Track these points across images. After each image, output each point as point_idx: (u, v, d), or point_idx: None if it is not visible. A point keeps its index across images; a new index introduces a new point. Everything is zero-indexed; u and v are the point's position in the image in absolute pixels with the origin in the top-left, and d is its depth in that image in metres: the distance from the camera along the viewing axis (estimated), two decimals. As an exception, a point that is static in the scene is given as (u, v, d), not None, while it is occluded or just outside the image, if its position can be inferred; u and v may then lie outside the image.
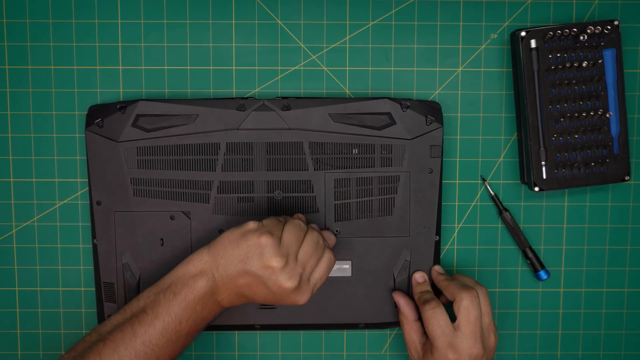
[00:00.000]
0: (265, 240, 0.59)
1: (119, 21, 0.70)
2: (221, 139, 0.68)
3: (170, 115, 0.68)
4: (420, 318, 0.68)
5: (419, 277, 0.70)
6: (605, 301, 0.74)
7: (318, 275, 0.62)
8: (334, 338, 0.73)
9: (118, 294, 0.69)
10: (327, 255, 0.63)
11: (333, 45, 0.71)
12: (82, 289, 0.72)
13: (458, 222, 0.73)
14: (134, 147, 0.68)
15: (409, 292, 0.70)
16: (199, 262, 0.61)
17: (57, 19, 0.70)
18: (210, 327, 0.70)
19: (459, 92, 0.71)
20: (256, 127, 0.68)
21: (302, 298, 0.61)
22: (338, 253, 0.70)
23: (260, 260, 0.59)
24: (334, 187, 0.69)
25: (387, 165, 0.69)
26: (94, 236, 0.69)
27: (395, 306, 0.70)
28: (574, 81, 0.68)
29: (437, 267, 0.70)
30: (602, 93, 0.68)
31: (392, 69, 0.71)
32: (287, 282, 0.59)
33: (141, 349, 0.59)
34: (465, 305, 0.64)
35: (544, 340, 0.74)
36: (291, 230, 0.61)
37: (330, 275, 0.70)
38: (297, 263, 0.60)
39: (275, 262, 0.59)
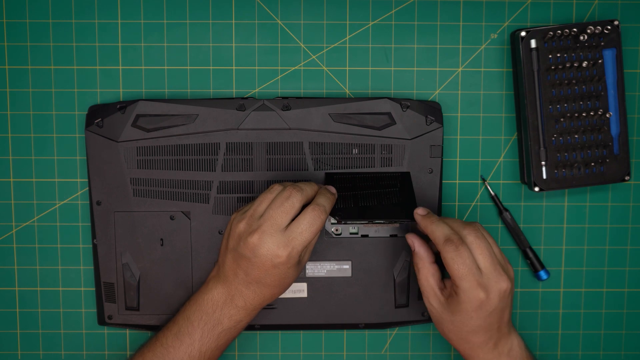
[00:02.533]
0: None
1: (119, 21, 0.70)
2: (221, 139, 0.68)
3: (170, 115, 0.68)
4: (436, 260, 0.64)
5: (420, 210, 0.63)
6: (605, 301, 0.74)
7: (298, 228, 0.59)
8: (334, 338, 0.73)
9: (118, 294, 0.69)
10: (309, 212, 0.60)
11: (333, 45, 0.71)
12: (82, 289, 0.72)
13: (458, 222, 0.72)
14: (134, 147, 0.68)
15: (408, 294, 0.70)
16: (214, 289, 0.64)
17: (57, 19, 0.70)
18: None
19: (459, 92, 0.71)
20: (256, 127, 0.68)
21: (281, 252, 0.59)
22: (338, 253, 0.70)
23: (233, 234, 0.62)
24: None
25: (387, 165, 0.69)
26: (94, 236, 0.69)
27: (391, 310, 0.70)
28: (574, 81, 0.68)
29: (419, 210, 0.63)
30: (602, 93, 0.68)
31: (392, 69, 0.71)
32: (251, 237, 0.59)
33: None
34: (471, 240, 0.60)
35: (544, 340, 0.74)
36: (267, 202, 0.62)
37: (330, 275, 0.70)
38: (260, 219, 0.60)
39: (240, 225, 0.61)
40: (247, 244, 0.60)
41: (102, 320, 0.70)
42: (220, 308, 0.62)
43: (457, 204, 0.72)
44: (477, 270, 0.59)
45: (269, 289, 0.62)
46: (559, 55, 0.67)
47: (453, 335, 0.62)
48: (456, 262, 0.59)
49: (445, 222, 0.62)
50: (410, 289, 0.70)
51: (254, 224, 0.60)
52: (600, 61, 0.68)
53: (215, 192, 0.69)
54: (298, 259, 0.61)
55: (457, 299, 0.60)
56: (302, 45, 0.71)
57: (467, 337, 0.61)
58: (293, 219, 0.60)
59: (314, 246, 0.66)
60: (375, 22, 0.71)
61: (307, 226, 0.60)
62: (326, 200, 0.62)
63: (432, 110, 0.69)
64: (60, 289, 0.72)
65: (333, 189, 0.64)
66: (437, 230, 0.61)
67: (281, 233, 0.59)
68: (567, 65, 0.67)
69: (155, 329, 0.70)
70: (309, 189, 0.62)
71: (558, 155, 0.68)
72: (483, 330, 0.61)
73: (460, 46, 0.71)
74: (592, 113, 0.68)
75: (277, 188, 0.62)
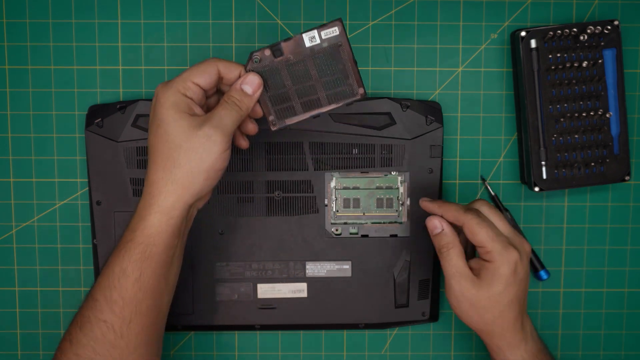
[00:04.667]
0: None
1: (119, 21, 0.70)
2: (221, 139, 0.68)
3: (170, 115, 0.68)
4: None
5: (425, 199, 0.64)
6: (605, 301, 0.74)
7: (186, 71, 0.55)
8: (334, 338, 0.73)
9: (118, 294, 0.69)
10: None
11: (333, 45, 0.71)
12: (82, 289, 0.72)
13: (458, 222, 0.72)
14: (134, 147, 0.68)
15: (408, 294, 0.70)
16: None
17: (57, 19, 0.70)
18: (210, 327, 0.70)
19: (459, 92, 0.71)
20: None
21: (164, 86, 0.55)
22: (338, 253, 0.70)
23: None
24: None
25: (387, 165, 0.69)
26: (94, 236, 0.69)
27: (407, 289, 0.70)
28: (574, 81, 0.68)
29: (424, 199, 0.64)
30: (602, 93, 0.68)
31: (392, 69, 0.71)
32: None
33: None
34: (486, 211, 0.60)
35: (544, 340, 0.74)
36: None
37: (330, 275, 0.70)
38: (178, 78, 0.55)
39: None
40: (157, 96, 0.56)
41: (102, 320, 0.70)
42: (136, 222, 0.56)
43: (457, 204, 0.72)
44: (503, 234, 0.59)
45: (166, 157, 0.55)
46: (559, 55, 0.67)
47: (490, 315, 0.59)
48: (483, 227, 0.58)
49: (451, 204, 0.62)
50: (410, 289, 0.70)
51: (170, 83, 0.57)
52: (600, 61, 0.68)
53: (215, 192, 0.69)
54: (181, 103, 0.55)
55: (492, 265, 0.58)
56: (302, 45, 0.71)
57: (504, 312, 0.59)
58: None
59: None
60: (375, 22, 0.71)
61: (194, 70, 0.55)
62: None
63: (432, 110, 0.69)
64: (60, 289, 0.72)
65: (250, 89, 0.57)
66: (452, 206, 0.61)
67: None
68: (567, 65, 0.67)
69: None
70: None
71: (558, 155, 0.68)
72: (518, 302, 0.59)
73: (460, 46, 0.71)
74: (592, 113, 0.68)
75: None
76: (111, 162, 0.68)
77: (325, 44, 0.56)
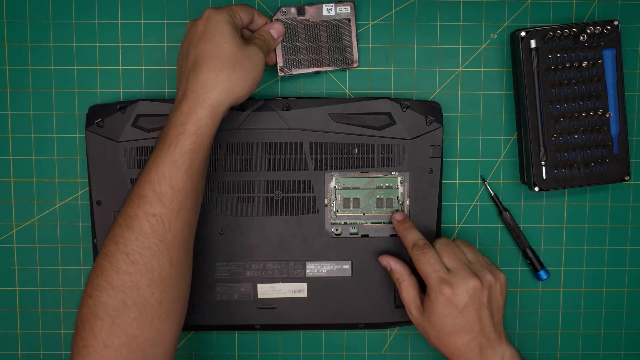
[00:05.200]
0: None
1: (119, 21, 0.70)
2: (221, 139, 0.68)
3: (170, 115, 0.68)
4: (414, 272, 0.66)
5: (398, 215, 0.68)
6: (605, 301, 0.74)
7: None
8: (334, 338, 0.73)
9: (118, 294, 0.69)
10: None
11: (333, 45, 0.71)
12: (82, 289, 0.72)
13: (458, 222, 0.73)
14: (134, 147, 0.68)
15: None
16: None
17: (57, 19, 0.70)
18: (210, 327, 0.70)
19: (459, 92, 0.71)
20: (256, 127, 0.68)
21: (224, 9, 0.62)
22: (338, 253, 0.70)
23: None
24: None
25: (387, 165, 0.69)
26: (94, 236, 0.69)
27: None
28: (573, 81, 0.68)
29: (397, 215, 0.68)
30: (602, 93, 0.68)
31: (392, 69, 0.71)
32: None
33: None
34: (439, 246, 0.64)
35: (544, 340, 0.74)
36: None
37: (330, 275, 0.70)
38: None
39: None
40: (200, 18, 0.62)
41: (102, 320, 0.70)
42: (171, 126, 0.60)
43: (457, 204, 0.72)
44: (443, 269, 0.62)
45: (221, 62, 0.60)
46: (558, 55, 0.67)
47: (438, 343, 0.63)
48: (421, 262, 0.63)
49: (417, 230, 0.66)
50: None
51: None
52: (600, 61, 0.68)
53: (215, 192, 0.69)
54: (234, 23, 0.62)
55: (429, 299, 0.62)
56: (302, 45, 0.71)
57: (449, 340, 0.62)
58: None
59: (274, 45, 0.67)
60: (375, 22, 0.71)
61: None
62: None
63: (432, 110, 0.69)
64: (60, 289, 0.72)
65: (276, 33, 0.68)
66: (409, 235, 0.66)
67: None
68: (567, 65, 0.67)
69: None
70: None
71: (558, 155, 0.68)
72: (462, 331, 0.61)
73: (460, 46, 0.71)
74: (592, 113, 0.68)
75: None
76: (111, 162, 0.68)
77: (338, 17, 0.69)
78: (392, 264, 0.67)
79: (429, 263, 0.62)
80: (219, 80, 0.60)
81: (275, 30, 0.67)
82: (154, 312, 0.57)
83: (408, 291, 0.65)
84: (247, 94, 0.62)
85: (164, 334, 0.58)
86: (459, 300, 0.61)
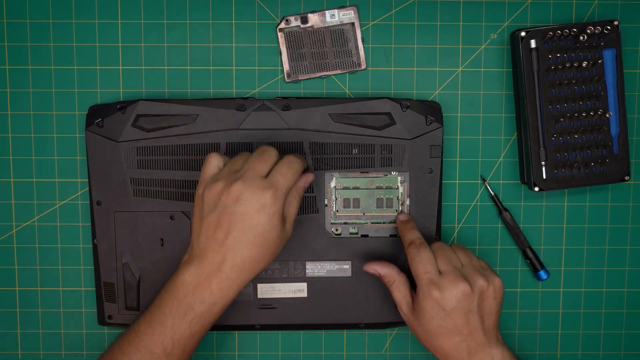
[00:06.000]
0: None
1: (119, 21, 0.70)
2: (221, 139, 0.68)
3: (170, 115, 0.68)
4: (405, 270, 0.66)
5: (402, 216, 0.68)
6: (605, 301, 0.74)
7: (278, 172, 0.60)
8: (334, 338, 0.73)
9: (118, 294, 0.69)
10: (285, 158, 0.61)
11: (333, 45, 0.71)
12: (82, 289, 0.72)
13: (458, 222, 0.73)
14: (134, 147, 0.68)
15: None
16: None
17: (57, 19, 0.70)
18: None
19: (459, 92, 0.71)
20: (256, 127, 0.68)
21: (266, 193, 0.59)
22: (338, 253, 0.70)
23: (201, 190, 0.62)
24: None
25: (387, 165, 0.69)
26: (94, 236, 0.69)
27: (397, 309, 0.70)
28: (573, 81, 0.68)
29: (401, 216, 0.69)
30: (602, 93, 0.68)
31: (392, 69, 0.71)
32: (235, 185, 0.59)
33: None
34: (435, 248, 0.64)
35: (543, 340, 0.74)
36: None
37: (330, 275, 0.70)
38: (239, 171, 0.60)
39: (217, 185, 0.60)
40: (231, 192, 0.59)
41: (102, 320, 0.70)
42: (192, 292, 0.60)
43: (457, 204, 0.72)
44: (435, 270, 0.62)
45: (250, 250, 0.59)
46: (558, 55, 0.67)
47: (426, 342, 0.64)
48: (414, 261, 0.63)
49: (418, 230, 0.66)
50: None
51: (234, 176, 0.60)
52: (600, 61, 0.68)
53: (215, 192, 0.69)
54: (282, 208, 0.60)
55: (417, 299, 0.63)
56: (302, 45, 0.71)
57: (437, 341, 0.62)
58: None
59: (296, 211, 0.64)
60: (375, 22, 0.71)
61: (287, 168, 0.60)
62: (296, 155, 0.63)
63: (432, 110, 0.69)
64: (60, 289, 0.72)
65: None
66: (408, 234, 0.66)
67: (263, 178, 0.60)
68: (567, 65, 0.67)
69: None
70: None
71: (558, 155, 0.68)
72: (450, 333, 0.62)
73: (460, 46, 0.71)
74: (592, 113, 0.68)
75: (247, 153, 0.63)
76: (111, 162, 0.68)
77: (341, 22, 0.69)
78: (378, 269, 0.66)
79: (422, 263, 0.62)
80: (260, 266, 0.61)
81: (304, 181, 0.64)
82: None
83: (399, 290, 0.65)
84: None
85: None
86: (446, 304, 0.61)
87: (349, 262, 0.70)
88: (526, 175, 0.70)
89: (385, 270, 0.66)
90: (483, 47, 0.71)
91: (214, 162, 0.62)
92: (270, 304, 0.70)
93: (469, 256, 0.65)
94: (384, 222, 0.70)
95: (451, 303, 0.61)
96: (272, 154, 0.61)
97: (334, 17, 0.69)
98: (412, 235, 0.65)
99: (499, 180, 0.72)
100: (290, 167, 0.61)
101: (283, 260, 0.70)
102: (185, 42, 0.70)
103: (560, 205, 0.73)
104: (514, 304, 0.73)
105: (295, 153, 0.65)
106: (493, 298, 0.63)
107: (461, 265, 0.64)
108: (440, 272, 0.62)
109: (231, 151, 0.68)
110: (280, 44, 0.70)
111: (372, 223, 0.70)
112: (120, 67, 0.70)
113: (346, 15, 0.69)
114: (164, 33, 0.70)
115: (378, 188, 0.70)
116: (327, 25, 0.69)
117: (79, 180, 0.71)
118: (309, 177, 0.64)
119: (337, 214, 0.70)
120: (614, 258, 0.73)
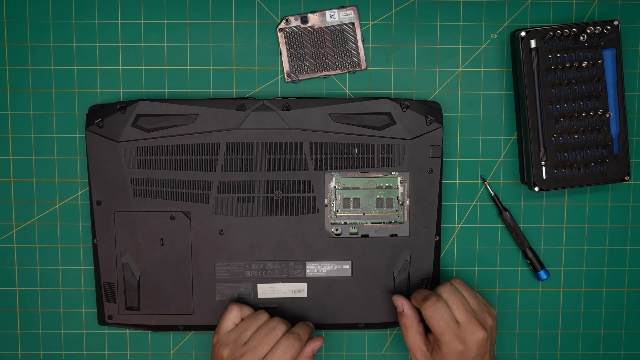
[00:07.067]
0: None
1: (119, 21, 0.70)
2: (221, 139, 0.68)
3: (170, 115, 0.68)
4: (421, 320, 0.67)
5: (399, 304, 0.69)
6: (605, 301, 0.74)
7: (273, 357, 0.63)
8: (334, 338, 0.73)
9: (118, 294, 0.69)
10: (284, 340, 0.64)
11: (333, 45, 0.71)
12: (82, 289, 0.72)
13: (458, 222, 0.73)
14: (134, 147, 0.68)
15: (408, 294, 0.70)
16: None
17: (57, 19, 0.70)
18: (211, 327, 0.70)
19: (459, 92, 0.71)
20: (256, 127, 0.68)
21: None
22: (338, 253, 0.70)
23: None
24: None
25: (387, 165, 0.69)
26: (94, 236, 0.69)
27: (395, 308, 0.70)
28: (573, 81, 0.68)
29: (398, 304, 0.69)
30: (602, 93, 0.68)
31: (392, 69, 0.71)
32: (223, 349, 0.64)
33: None
34: (447, 296, 0.64)
35: (544, 340, 0.74)
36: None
37: (330, 275, 0.70)
38: (244, 346, 0.64)
39: (225, 350, 0.64)
40: (219, 353, 0.64)
41: (102, 320, 0.70)
42: None
43: (457, 204, 0.72)
44: (455, 323, 0.64)
45: None
46: (558, 55, 0.67)
47: None
48: (435, 318, 0.64)
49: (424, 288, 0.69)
50: (410, 288, 0.70)
51: (237, 352, 0.64)
52: (600, 61, 0.68)
53: (215, 192, 0.69)
54: None
55: (440, 352, 0.64)
56: (302, 45, 0.71)
57: None
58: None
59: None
60: (375, 22, 0.71)
61: (282, 354, 0.63)
62: (302, 329, 0.66)
63: (432, 110, 0.69)
64: (60, 289, 0.72)
65: (311, 324, 0.68)
66: (418, 293, 0.67)
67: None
68: (567, 65, 0.67)
69: (155, 329, 0.70)
70: (292, 326, 0.67)
71: (558, 155, 0.68)
72: None
73: (460, 46, 0.71)
74: (592, 113, 0.68)
75: (263, 317, 0.66)
76: (111, 162, 0.68)
77: (341, 22, 0.69)
78: (405, 308, 0.67)
79: (442, 319, 0.64)
80: None
81: (312, 348, 0.66)
82: None
83: (415, 338, 0.67)
84: None
85: None
86: (469, 354, 0.64)
87: (349, 262, 0.70)
88: (526, 175, 0.70)
89: (409, 312, 0.67)
90: (483, 47, 0.71)
91: (232, 316, 0.66)
92: (270, 304, 0.70)
93: (474, 295, 0.66)
94: (384, 222, 0.70)
95: (473, 353, 0.64)
96: (278, 334, 0.65)
97: (334, 17, 0.69)
98: (423, 292, 0.66)
99: (499, 180, 0.72)
100: (286, 354, 0.64)
101: (283, 260, 0.70)
102: (185, 42, 0.70)
103: (560, 205, 0.73)
104: (514, 304, 0.73)
105: (302, 324, 0.67)
106: (495, 330, 0.66)
107: (472, 309, 0.65)
108: (457, 322, 0.64)
109: (231, 151, 0.68)
110: (280, 44, 0.70)
111: (372, 223, 0.70)
112: (120, 67, 0.71)
113: (346, 15, 0.69)
114: (164, 33, 0.70)
115: (378, 188, 0.70)
116: (327, 25, 0.69)
117: (79, 180, 0.71)
118: (317, 344, 0.66)
119: (337, 214, 0.70)
120: (614, 258, 0.73)
